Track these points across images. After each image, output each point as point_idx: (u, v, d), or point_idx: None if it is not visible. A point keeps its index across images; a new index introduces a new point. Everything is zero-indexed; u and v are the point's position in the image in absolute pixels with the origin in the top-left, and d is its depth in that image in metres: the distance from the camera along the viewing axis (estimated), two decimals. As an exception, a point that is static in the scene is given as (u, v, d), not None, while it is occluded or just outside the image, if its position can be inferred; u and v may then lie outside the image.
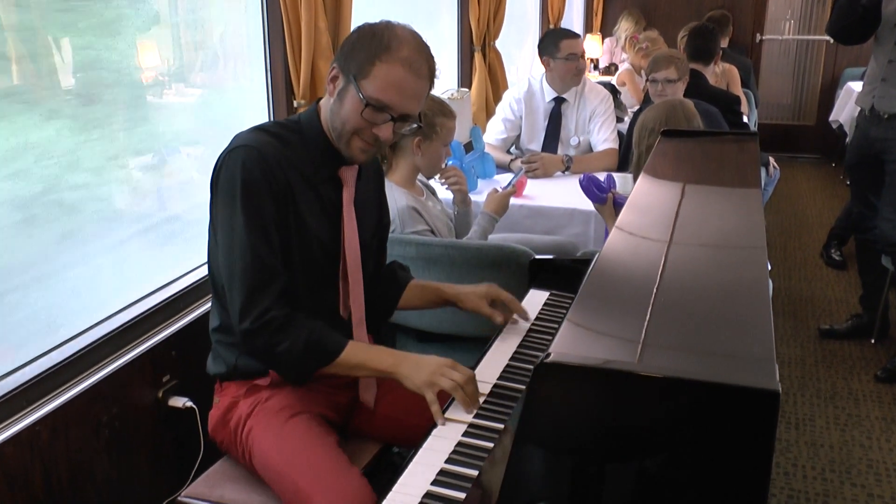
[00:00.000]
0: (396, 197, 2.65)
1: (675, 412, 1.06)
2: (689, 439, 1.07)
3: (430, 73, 1.78)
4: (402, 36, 1.74)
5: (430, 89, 1.81)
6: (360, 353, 1.79)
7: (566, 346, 1.15)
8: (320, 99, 1.88)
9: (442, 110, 2.72)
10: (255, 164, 1.71)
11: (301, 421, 1.81)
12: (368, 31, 1.75)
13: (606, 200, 3.01)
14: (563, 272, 2.40)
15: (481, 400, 1.75)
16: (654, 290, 1.32)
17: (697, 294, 1.40)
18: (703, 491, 1.06)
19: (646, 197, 1.99)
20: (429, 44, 1.80)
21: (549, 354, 1.07)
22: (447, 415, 1.68)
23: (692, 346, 1.17)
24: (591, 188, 3.04)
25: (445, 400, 1.71)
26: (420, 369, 1.72)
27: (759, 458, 1.02)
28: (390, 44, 1.72)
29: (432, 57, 1.79)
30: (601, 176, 3.14)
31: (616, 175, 3.70)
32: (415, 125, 1.83)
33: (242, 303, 1.70)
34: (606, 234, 3.05)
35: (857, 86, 6.10)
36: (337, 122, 1.78)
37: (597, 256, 1.59)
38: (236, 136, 1.78)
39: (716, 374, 1.05)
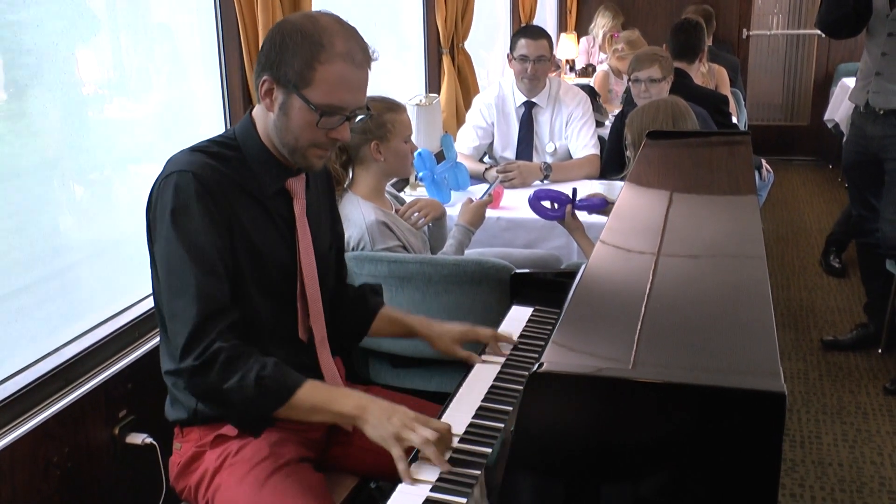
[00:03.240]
0: (364, 212, 2.68)
1: (675, 420, 1.10)
2: (690, 448, 1.10)
3: (368, 58, 1.79)
4: (332, 27, 1.74)
5: (370, 73, 1.82)
6: (321, 392, 1.73)
7: (558, 356, 1.18)
8: (252, 108, 1.88)
9: (388, 106, 2.75)
10: (190, 192, 1.71)
11: (279, 479, 1.77)
12: (293, 31, 1.73)
13: (564, 216, 2.99)
14: (547, 287, 2.44)
15: (464, 426, 1.77)
16: (647, 298, 1.36)
17: (693, 300, 1.44)
18: (712, 499, 1.10)
19: (634, 205, 2.04)
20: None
21: (541, 364, 1.10)
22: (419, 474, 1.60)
23: (690, 351, 1.21)
24: (541, 208, 3.02)
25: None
26: (389, 420, 1.65)
27: (767, 465, 1.06)
28: (322, 40, 1.72)
29: (363, 39, 1.80)
30: (563, 187, 3.12)
31: (600, 182, 3.77)
32: (365, 115, 1.85)
33: (187, 339, 1.67)
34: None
35: (851, 82, 6.19)
36: (288, 137, 1.79)
37: (584, 267, 1.63)
38: (170, 161, 1.78)
39: (716, 378, 1.09)
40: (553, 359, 1.14)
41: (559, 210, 3.00)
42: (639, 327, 1.26)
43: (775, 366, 1.08)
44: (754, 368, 1.12)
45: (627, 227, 1.86)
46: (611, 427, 1.13)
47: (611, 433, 1.13)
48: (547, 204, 3.04)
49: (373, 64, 1.82)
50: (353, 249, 2.69)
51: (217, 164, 1.78)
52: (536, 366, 1.11)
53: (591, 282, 1.53)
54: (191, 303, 1.68)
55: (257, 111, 1.86)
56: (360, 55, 1.76)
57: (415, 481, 1.57)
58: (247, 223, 1.79)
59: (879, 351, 4.09)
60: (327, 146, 1.82)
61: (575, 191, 3.02)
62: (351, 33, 1.77)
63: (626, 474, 1.15)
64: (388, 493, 1.57)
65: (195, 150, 1.80)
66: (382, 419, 1.66)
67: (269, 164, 1.85)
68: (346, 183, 2.79)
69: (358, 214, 2.68)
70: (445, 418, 1.83)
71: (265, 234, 1.83)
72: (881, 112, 3.64)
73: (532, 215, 3.31)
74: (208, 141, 1.85)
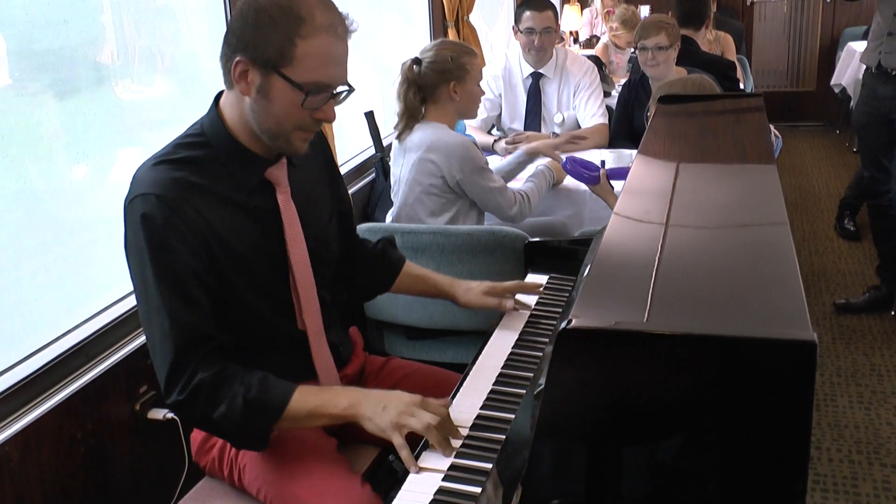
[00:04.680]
0: (456, 134, 2.87)
1: (705, 374, 1.10)
2: (721, 403, 1.10)
3: (347, 30, 1.68)
4: None
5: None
6: (312, 398, 1.67)
7: (587, 312, 1.18)
8: (218, 97, 1.76)
9: (465, 50, 2.91)
10: (157, 218, 1.60)
11: (295, 433, 1.80)
12: (267, 4, 1.60)
13: (600, 179, 3.05)
14: (561, 254, 2.44)
15: (485, 393, 1.78)
16: (671, 257, 1.36)
17: (718, 258, 1.44)
18: (741, 456, 1.10)
19: (651, 169, 2.03)
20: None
21: (570, 321, 1.10)
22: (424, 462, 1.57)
23: (718, 306, 1.22)
24: (579, 170, 3.09)
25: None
26: (385, 409, 1.62)
27: (798, 417, 1.06)
28: (301, 13, 1.60)
29: (338, 9, 1.69)
30: (589, 156, 3.22)
31: (609, 151, 3.76)
32: (349, 92, 1.73)
33: (167, 375, 1.61)
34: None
35: (858, 46, 6.19)
36: (269, 122, 1.67)
37: (605, 230, 1.62)
38: (134, 178, 1.67)
39: (746, 329, 1.09)
40: (582, 315, 1.14)
41: (594, 176, 3.07)
42: (664, 285, 1.26)
43: (804, 316, 1.08)
44: (783, 319, 1.12)
45: (647, 191, 1.85)
46: (641, 383, 1.13)
47: (641, 389, 1.13)
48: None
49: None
50: (436, 164, 2.82)
51: (184, 175, 1.66)
52: (566, 322, 1.11)
53: (613, 244, 1.53)
54: (166, 337, 1.61)
55: (225, 99, 1.74)
56: (340, 27, 1.66)
57: (421, 469, 1.55)
58: (225, 233, 1.69)
59: (892, 313, 4.08)
60: (312, 128, 1.72)
61: (603, 162, 3.14)
62: (328, 4, 1.66)
63: (655, 431, 1.15)
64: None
65: (159, 161, 1.68)
66: (377, 410, 1.62)
67: (242, 159, 1.73)
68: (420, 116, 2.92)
69: (451, 136, 2.84)
70: (466, 386, 1.84)
71: (247, 236, 1.73)
72: (893, 72, 3.64)
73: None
74: (174, 144, 1.73)
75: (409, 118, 2.89)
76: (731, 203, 1.70)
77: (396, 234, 2.63)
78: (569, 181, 3.36)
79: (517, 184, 3.16)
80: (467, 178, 2.82)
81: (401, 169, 2.92)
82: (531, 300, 2.20)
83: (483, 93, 3.00)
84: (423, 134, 2.86)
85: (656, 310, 1.18)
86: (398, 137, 2.94)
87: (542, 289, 2.24)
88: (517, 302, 2.15)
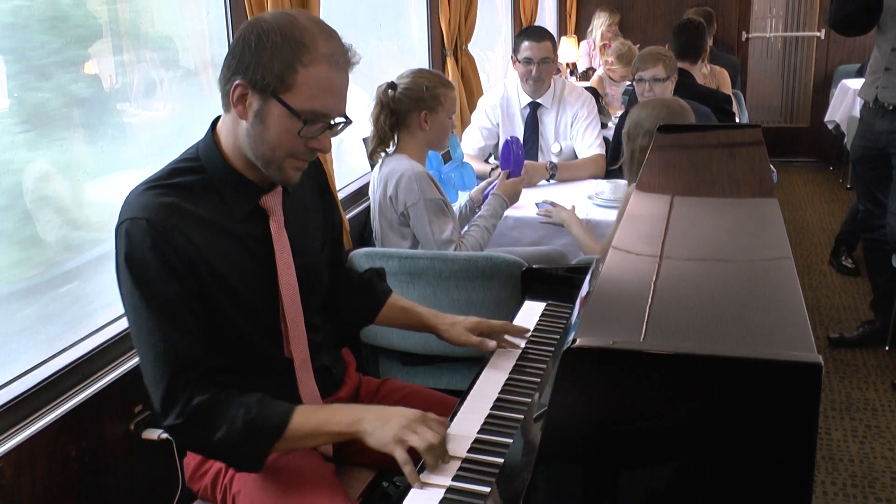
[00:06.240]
0: (413, 164, 2.81)
1: (710, 394, 1.10)
2: (724, 424, 1.10)
3: (349, 61, 1.68)
4: (311, 28, 1.62)
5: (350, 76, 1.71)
6: (313, 417, 1.67)
7: (591, 332, 1.19)
8: (215, 121, 1.76)
9: (442, 81, 2.89)
10: (145, 243, 1.60)
11: (290, 460, 1.78)
12: (270, 30, 1.60)
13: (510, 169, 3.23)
14: (558, 282, 2.45)
15: (482, 417, 1.77)
16: (675, 281, 1.37)
17: (722, 282, 1.44)
18: (743, 479, 1.10)
19: (648, 204, 2.03)
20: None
21: (574, 340, 1.11)
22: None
23: (722, 326, 1.22)
24: (507, 150, 3.29)
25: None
26: (386, 424, 1.62)
27: (802, 440, 1.06)
28: (304, 40, 1.60)
29: (342, 40, 1.69)
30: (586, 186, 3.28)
31: (605, 182, 3.77)
32: (346, 124, 1.72)
33: (163, 396, 1.61)
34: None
35: (852, 83, 6.25)
36: (263, 148, 1.66)
37: (606, 255, 1.62)
38: (125, 202, 1.66)
39: (750, 350, 1.09)
40: (586, 335, 1.14)
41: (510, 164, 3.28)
42: (668, 308, 1.26)
43: (808, 338, 1.09)
44: (787, 341, 1.13)
45: (646, 218, 1.86)
46: (644, 404, 1.13)
47: (644, 411, 1.13)
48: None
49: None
50: (390, 199, 2.82)
51: (175, 200, 1.65)
52: (570, 342, 1.11)
53: (616, 269, 1.53)
54: (159, 361, 1.61)
55: (222, 124, 1.73)
56: (342, 58, 1.65)
57: (424, 484, 1.55)
58: (214, 259, 1.68)
59: (886, 348, 4.10)
60: (305, 157, 1.70)
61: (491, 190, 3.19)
62: (331, 34, 1.66)
63: (658, 453, 1.15)
64: (404, 489, 1.56)
65: (151, 185, 1.67)
66: (380, 425, 1.62)
67: (237, 185, 1.73)
68: (392, 147, 2.91)
69: (407, 167, 2.79)
70: (463, 410, 1.83)
71: (237, 264, 1.72)
72: (890, 107, 3.68)
73: (536, 213, 3.35)
74: (168, 169, 1.72)
75: (380, 142, 2.89)
76: (735, 232, 1.71)
77: (393, 259, 2.64)
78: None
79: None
80: (410, 209, 2.82)
81: (374, 198, 2.95)
82: (529, 326, 2.19)
83: (454, 126, 2.99)
84: (388, 166, 2.87)
85: (661, 331, 1.18)
86: (370, 159, 2.95)
87: (530, 332, 2.19)
88: (505, 341, 2.10)
